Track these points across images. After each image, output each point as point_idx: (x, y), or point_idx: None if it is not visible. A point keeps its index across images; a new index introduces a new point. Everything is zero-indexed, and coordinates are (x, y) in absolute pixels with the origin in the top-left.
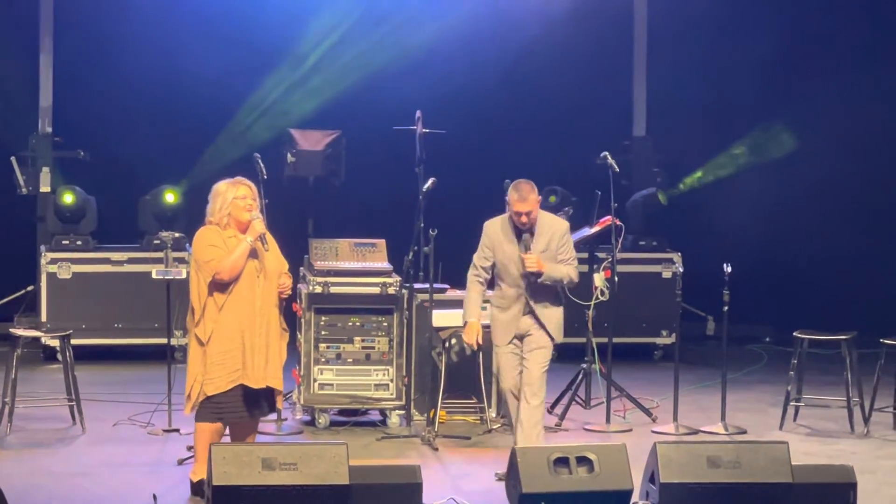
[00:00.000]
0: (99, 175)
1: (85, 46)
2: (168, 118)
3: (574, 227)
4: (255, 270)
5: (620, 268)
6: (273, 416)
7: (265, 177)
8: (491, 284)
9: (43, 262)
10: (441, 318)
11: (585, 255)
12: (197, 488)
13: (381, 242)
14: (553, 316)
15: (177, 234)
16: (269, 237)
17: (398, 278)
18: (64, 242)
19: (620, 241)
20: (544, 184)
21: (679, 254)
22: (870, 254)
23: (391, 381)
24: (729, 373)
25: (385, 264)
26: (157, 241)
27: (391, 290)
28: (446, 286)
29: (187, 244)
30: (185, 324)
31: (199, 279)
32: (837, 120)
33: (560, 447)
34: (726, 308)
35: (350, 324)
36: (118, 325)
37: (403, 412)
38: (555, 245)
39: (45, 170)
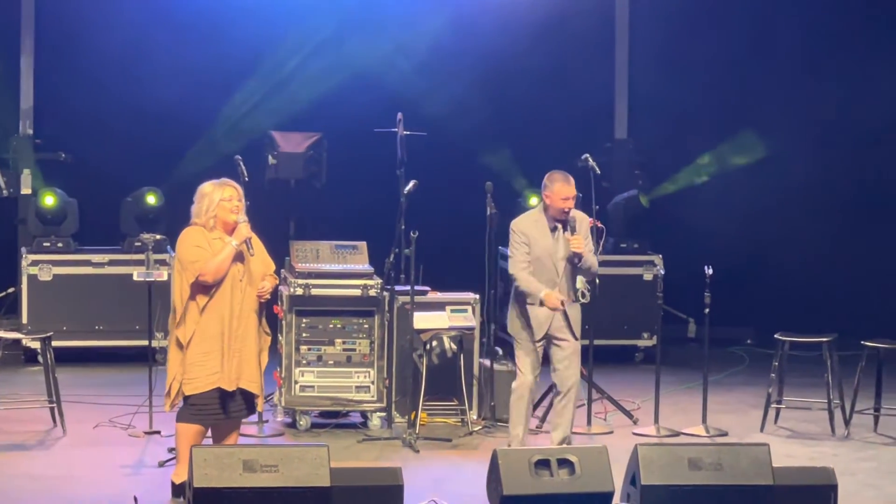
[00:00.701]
0: (80, 177)
1: (66, 48)
2: (149, 120)
3: None
4: (239, 274)
5: (601, 270)
6: (254, 417)
7: (247, 179)
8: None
9: (24, 263)
10: (422, 320)
11: None
12: (179, 490)
13: (363, 244)
14: (577, 315)
15: (158, 236)
16: (255, 241)
17: (379, 280)
18: (45, 244)
19: (602, 244)
20: (525, 186)
21: (660, 256)
22: (851, 256)
23: (372, 383)
24: (710, 375)
25: (366, 266)
26: (138, 243)
27: (372, 293)
28: (427, 288)
29: (169, 246)
30: (167, 325)
31: (182, 280)
32: (819, 121)
33: (541, 449)
34: (707, 310)
35: (331, 326)
36: (99, 327)
37: (384, 414)
38: (584, 233)
39: (26, 172)
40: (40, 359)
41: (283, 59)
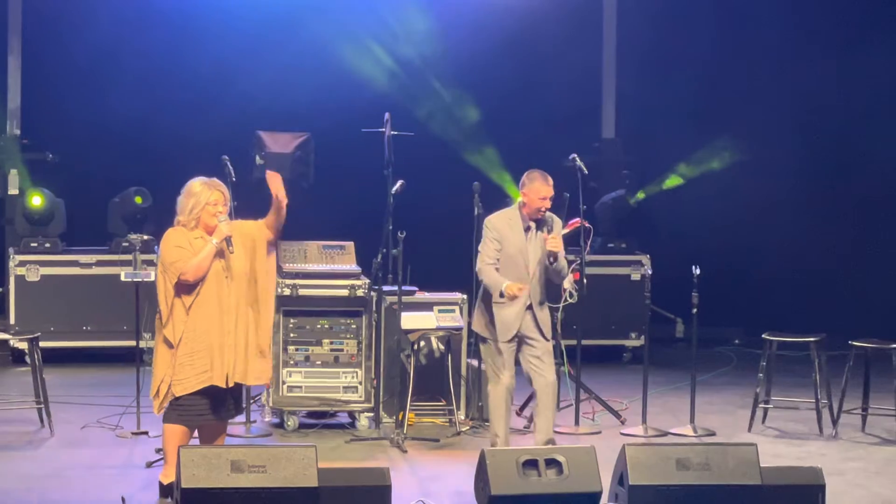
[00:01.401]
0: (67, 177)
1: (53, 48)
2: (137, 120)
3: None
4: (222, 271)
5: (589, 270)
6: (241, 418)
7: (234, 179)
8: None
9: (11, 264)
10: (410, 320)
11: None
12: (167, 491)
13: (350, 245)
14: (546, 316)
15: (145, 237)
16: (242, 223)
17: (367, 280)
18: (32, 245)
19: (589, 244)
20: (512, 187)
21: (648, 256)
22: (839, 256)
23: (360, 383)
24: (698, 375)
25: (354, 267)
26: (125, 244)
27: (360, 293)
28: (415, 288)
29: (156, 246)
30: (154, 326)
31: (166, 281)
32: (806, 121)
33: (529, 449)
34: (695, 310)
35: (319, 326)
36: (87, 327)
37: (372, 414)
38: (557, 234)
39: (14, 172)
40: (28, 359)
41: (271, 60)
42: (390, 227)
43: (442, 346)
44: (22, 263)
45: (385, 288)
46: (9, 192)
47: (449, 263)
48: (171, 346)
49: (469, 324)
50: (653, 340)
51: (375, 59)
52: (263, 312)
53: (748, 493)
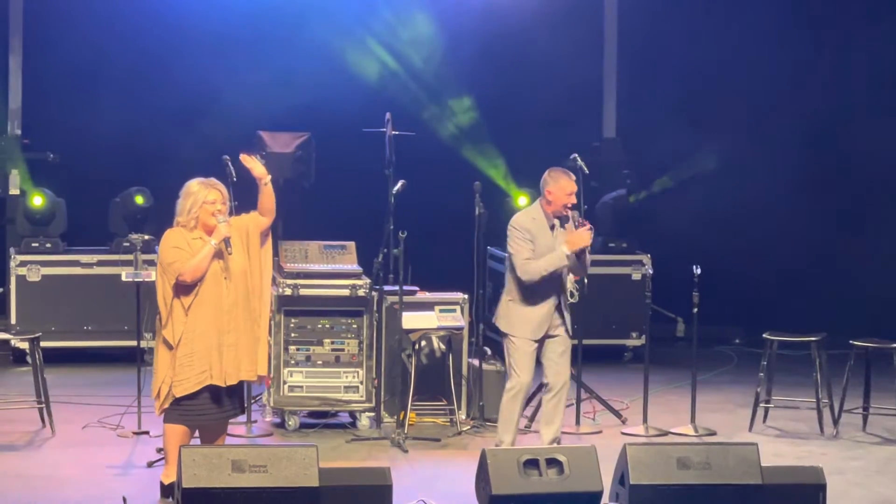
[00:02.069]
0: (68, 177)
1: (54, 48)
2: (138, 120)
3: None
4: (221, 271)
5: (590, 270)
6: (243, 418)
7: (235, 179)
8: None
9: (12, 264)
10: (411, 320)
11: None
12: (168, 490)
13: (351, 244)
14: (569, 315)
15: (146, 237)
16: (237, 218)
17: (368, 280)
18: (33, 245)
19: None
20: (513, 186)
21: (649, 255)
22: (839, 255)
23: (361, 383)
24: (699, 374)
25: (355, 266)
26: (126, 244)
27: (361, 293)
28: (416, 288)
29: (157, 246)
30: (155, 326)
31: (164, 282)
32: (809, 120)
33: (530, 449)
34: (696, 310)
35: (320, 326)
36: (88, 327)
37: (373, 414)
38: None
39: (15, 172)
40: (29, 359)
41: (272, 59)
42: (391, 227)
43: (443, 346)
44: (23, 263)
45: (386, 288)
46: (10, 192)
47: (450, 263)
48: (170, 347)
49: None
50: (653, 340)
51: (377, 58)
52: (257, 305)
53: (749, 492)
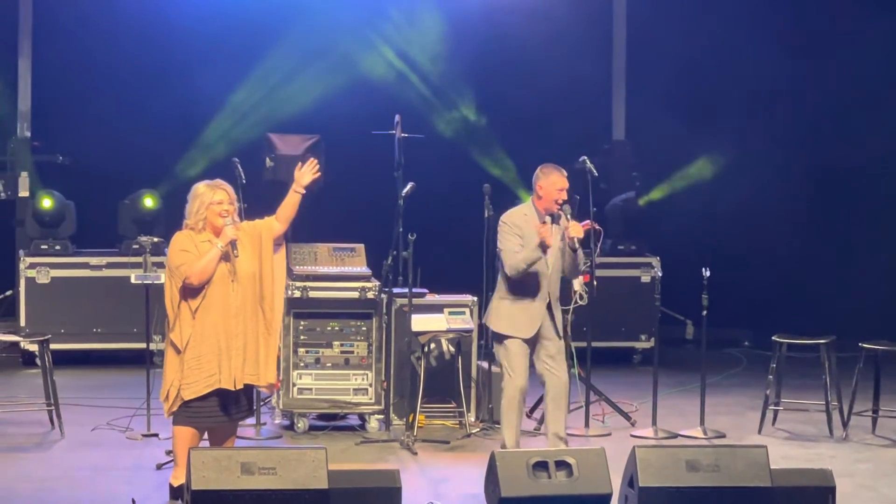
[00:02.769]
0: (78, 179)
1: (64, 50)
2: (147, 122)
3: None
4: (228, 274)
5: (599, 272)
6: (252, 420)
7: (244, 181)
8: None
9: (22, 266)
10: (420, 322)
11: None
12: (177, 493)
13: (360, 247)
14: (559, 314)
15: (155, 239)
16: (250, 223)
17: (377, 283)
18: (43, 247)
19: (599, 246)
20: (522, 187)
21: (658, 258)
22: (849, 258)
23: (370, 385)
24: (708, 377)
25: (364, 269)
26: (135, 246)
27: (370, 295)
28: (425, 290)
29: (166, 248)
30: (164, 328)
31: (172, 285)
32: (821, 123)
33: (539, 451)
34: (705, 312)
35: (329, 328)
36: (97, 329)
37: (382, 416)
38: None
39: (24, 174)
40: (38, 361)
41: (282, 62)
42: (400, 230)
43: (452, 348)
44: (32, 266)
45: (395, 290)
46: (19, 195)
47: (459, 266)
48: (178, 350)
49: (480, 323)
50: (663, 342)
51: (386, 61)
52: (268, 312)
53: (758, 494)
